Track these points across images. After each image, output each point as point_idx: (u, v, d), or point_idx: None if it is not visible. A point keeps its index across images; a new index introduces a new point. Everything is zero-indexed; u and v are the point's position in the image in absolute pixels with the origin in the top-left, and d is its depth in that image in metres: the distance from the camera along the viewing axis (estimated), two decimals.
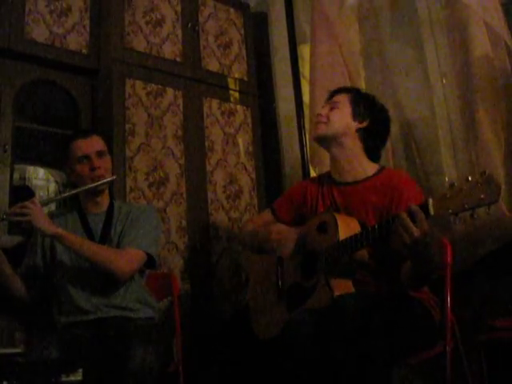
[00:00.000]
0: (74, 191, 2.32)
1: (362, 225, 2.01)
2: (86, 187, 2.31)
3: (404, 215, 1.74)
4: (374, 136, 2.24)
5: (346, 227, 1.99)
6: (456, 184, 1.64)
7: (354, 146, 2.21)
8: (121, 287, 2.28)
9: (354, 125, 2.22)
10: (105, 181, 2.34)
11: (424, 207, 1.71)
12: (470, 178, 1.60)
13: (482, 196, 1.56)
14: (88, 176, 2.32)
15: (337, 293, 1.92)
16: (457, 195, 1.62)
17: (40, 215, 2.13)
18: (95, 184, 2.31)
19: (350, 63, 3.25)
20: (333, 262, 1.97)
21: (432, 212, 1.69)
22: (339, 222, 1.99)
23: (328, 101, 2.32)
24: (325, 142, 2.26)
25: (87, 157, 2.33)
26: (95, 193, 2.37)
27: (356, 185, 2.17)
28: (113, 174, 2.41)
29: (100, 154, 2.36)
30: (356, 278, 1.99)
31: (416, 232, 1.72)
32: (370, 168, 2.21)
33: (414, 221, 1.72)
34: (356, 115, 2.23)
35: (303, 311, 1.98)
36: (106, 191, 2.43)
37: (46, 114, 3.07)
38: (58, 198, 2.43)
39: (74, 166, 2.35)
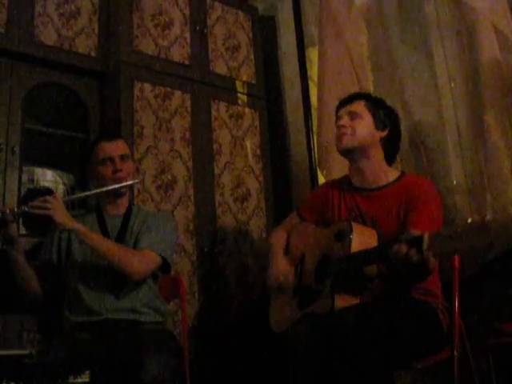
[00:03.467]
0: (96, 190, 2.34)
1: (380, 236, 2.01)
2: (109, 188, 2.32)
3: (396, 247, 1.75)
4: (393, 143, 2.24)
5: (361, 239, 1.98)
6: (455, 222, 1.66)
7: (377, 156, 2.20)
8: (132, 290, 2.28)
9: (378, 134, 2.19)
10: (128, 183, 2.36)
11: (418, 240, 1.72)
12: (469, 220, 1.64)
13: (474, 242, 1.60)
14: (110, 178, 2.33)
15: (339, 303, 1.91)
16: (452, 237, 1.64)
17: (61, 209, 2.15)
18: (118, 185, 2.33)
19: (358, 66, 3.25)
20: (342, 274, 1.97)
21: (425, 247, 1.70)
22: (354, 234, 1.98)
23: (342, 109, 2.26)
24: (350, 153, 2.21)
25: (111, 159, 2.35)
26: (116, 195, 2.38)
27: (378, 191, 2.17)
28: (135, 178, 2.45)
29: (123, 157, 2.38)
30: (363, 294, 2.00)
31: (403, 264, 1.75)
32: (392, 174, 2.21)
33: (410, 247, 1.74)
34: (377, 124, 2.19)
35: (306, 319, 2.00)
36: (127, 195, 2.45)
37: (55, 116, 3.09)
38: (79, 197, 2.44)
39: (97, 167, 2.36)
